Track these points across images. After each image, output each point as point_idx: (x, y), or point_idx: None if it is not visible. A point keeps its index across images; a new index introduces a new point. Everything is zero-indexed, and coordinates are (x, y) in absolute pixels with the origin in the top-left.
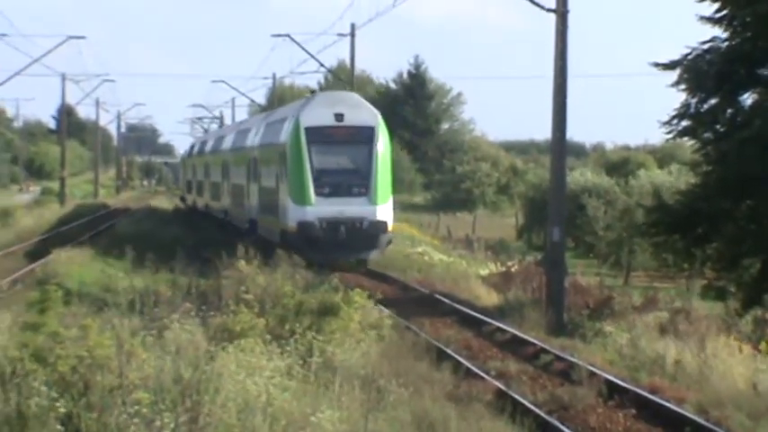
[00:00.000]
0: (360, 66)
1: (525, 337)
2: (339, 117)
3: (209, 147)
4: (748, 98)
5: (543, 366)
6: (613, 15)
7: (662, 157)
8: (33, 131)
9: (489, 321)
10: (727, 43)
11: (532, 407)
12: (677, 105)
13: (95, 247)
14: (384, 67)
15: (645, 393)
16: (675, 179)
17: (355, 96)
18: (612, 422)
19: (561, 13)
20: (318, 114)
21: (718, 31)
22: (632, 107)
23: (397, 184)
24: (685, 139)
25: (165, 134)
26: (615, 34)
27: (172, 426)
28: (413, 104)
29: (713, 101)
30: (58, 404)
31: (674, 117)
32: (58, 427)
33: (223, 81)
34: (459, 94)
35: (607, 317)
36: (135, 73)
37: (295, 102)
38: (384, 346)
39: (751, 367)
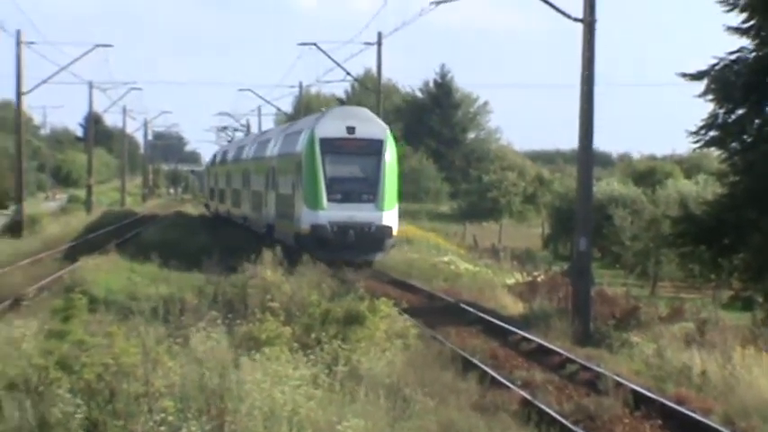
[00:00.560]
0: (386, 74)
1: (551, 346)
2: (351, 130)
3: (230, 156)
4: None
5: (569, 376)
6: (641, 25)
7: (689, 167)
8: (60, 139)
9: (515, 331)
10: (754, 54)
11: (558, 417)
12: (704, 116)
13: (122, 254)
14: (410, 75)
15: (671, 404)
16: (702, 189)
17: (366, 111)
18: None
19: (588, 22)
20: (332, 127)
21: (746, 42)
22: (659, 117)
23: (423, 194)
24: (712, 149)
25: (191, 142)
26: (643, 44)
27: None
28: (439, 113)
29: (740, 111)
30: (79, 411)
31: (701, 127)
32: None
33: (249, 89)
34: (486, 103)
35: (633, 327)
36: (162, 81)
37: (310, 116)
38: (410, 355)
39: None
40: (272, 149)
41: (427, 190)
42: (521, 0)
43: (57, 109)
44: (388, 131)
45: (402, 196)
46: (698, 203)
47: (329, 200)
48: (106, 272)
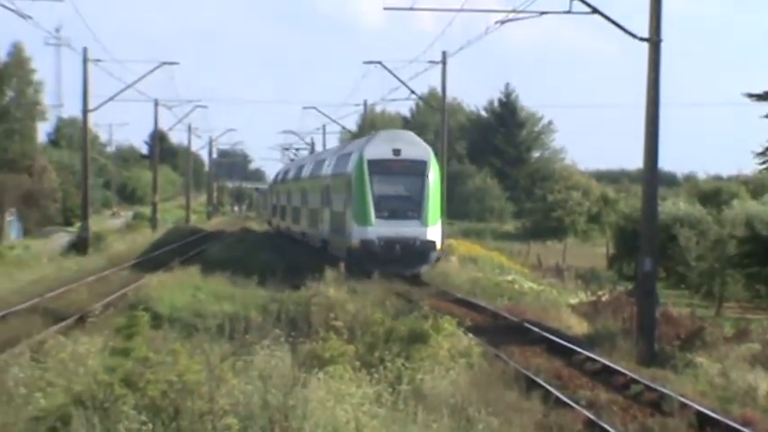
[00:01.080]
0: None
1: (616, 366)
2: (397, 152)
3: (291, 175)
4: None
5: (634, 396)
6: (707, 44)
7: (755, 187)
8: (126, 156)
9: (579, 351)
10: None
11: None
12: None
13: (187, 271)
14: (475, 94)
15: (736, 425)
16: None
17: (411, 134)
18: None
19: (654, 42)
20: (379, 149)
21: None
22: (725, 137)
23: (487, 213)
24: None
25: (255, 160)
26: (708, 64)
27: None
28: (503, 132)
29: None
30: (145, 428)
31: (767, 148)
32: None
33: (314, 107)
34: (550, 123)
35: (698, 348)
36: (227, 99)
37: (361, 138)
38: (473, 374)
39: None
40: (327, 169)
41: (491, 209)
42: (586, 19)
43: (122, 126)
44: (432, 153)
45: (465, 215)
46: (764, 224)
47: (377, 216)
48: (171, 289)
